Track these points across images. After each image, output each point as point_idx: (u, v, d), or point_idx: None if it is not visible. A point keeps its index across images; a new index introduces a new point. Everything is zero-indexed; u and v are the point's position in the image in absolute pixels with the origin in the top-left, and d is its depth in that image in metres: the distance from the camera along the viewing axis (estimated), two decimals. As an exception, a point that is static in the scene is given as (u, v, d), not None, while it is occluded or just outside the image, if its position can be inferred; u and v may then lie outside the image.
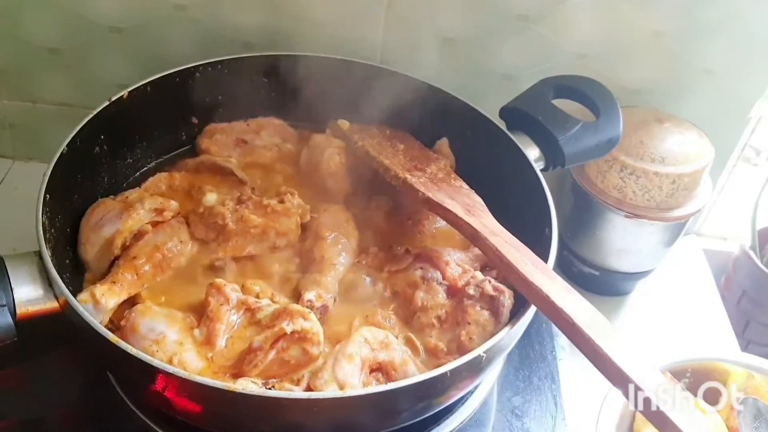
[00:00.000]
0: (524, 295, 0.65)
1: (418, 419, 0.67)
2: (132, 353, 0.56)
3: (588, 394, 0.85)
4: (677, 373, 0.85)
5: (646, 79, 0.99)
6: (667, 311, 1.06)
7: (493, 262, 0.68)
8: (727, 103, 0.99)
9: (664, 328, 1.03)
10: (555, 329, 0.89)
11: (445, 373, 0.59)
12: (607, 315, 1.00)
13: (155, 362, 0.56)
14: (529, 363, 0.83)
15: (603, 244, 0.98)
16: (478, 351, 0.60)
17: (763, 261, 1.13)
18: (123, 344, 0.57)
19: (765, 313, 1.14)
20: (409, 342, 0.71)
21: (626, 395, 0.55)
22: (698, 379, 0.86)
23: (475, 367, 0.62)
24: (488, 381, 0.80)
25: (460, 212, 0.72)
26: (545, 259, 0.69)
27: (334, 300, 0.73)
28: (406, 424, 0.66)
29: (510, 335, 0.64)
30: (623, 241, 0.97)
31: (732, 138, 1.04)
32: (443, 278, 0.75)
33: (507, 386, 0.81)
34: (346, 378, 0.64)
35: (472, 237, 0.70)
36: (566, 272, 1.07)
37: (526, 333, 0.70)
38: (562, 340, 0.89)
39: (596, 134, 0.83)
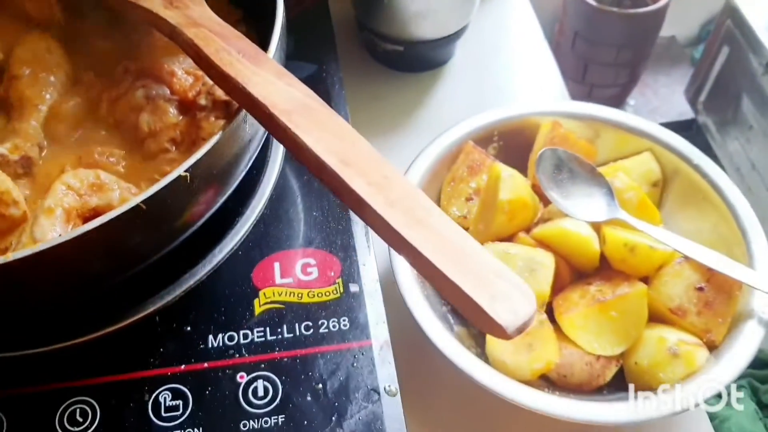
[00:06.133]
0: (226, 93, 0.54)
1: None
2: None
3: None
4: (483, 140, 0.77)
5: None
6: (488, 75, 0.97)
7: (196, 63, 0.56)
8: None
9: (486, 94, 0.94)
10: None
11: (138, 205, 0.49)
12: (423, 90, 0.93)
13: None
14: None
15: (394, 12, 0.86)
16: (177, 173, 0.50)
17: (590, -6, 1.03)
18: None
19: (601, 52, 1.06)
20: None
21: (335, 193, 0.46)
22: (508, 141, 0.78)
23: (184, 193, 0.52)
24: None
25: (158, 7, 0.58)
26: (265, 46, 0.57)
27: (41, 148, 0.61)
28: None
29: (224, 145, 0.53)
30: (414, 3, 0.84)
31: None
32: (171, 92, 0.63)
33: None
34: (45, 235, 0.53)
35: (170, 35, 0.58)
36: (374, 56, 0.96)
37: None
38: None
39: None
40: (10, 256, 0.46)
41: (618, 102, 1.21)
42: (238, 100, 0.52)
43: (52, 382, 0.58)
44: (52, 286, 0.51)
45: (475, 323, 0.39)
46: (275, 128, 0.48)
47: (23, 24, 0.69)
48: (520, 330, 0.38)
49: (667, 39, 1.28)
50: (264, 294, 0.63)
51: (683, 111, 1.24)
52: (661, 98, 1.25)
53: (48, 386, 0.58)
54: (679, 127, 1.25)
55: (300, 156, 0.47)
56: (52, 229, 0.54)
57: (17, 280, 0.48)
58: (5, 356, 0.59)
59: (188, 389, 0.58)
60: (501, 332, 0.37)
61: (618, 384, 0.67)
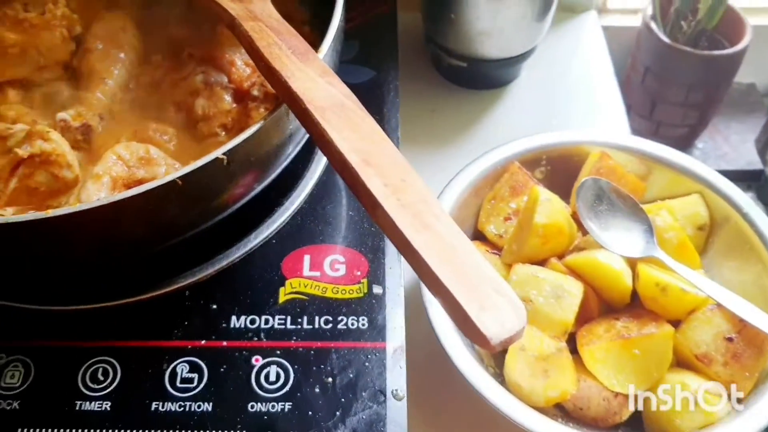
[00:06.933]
0: (270, 85, 0.56)
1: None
2: None
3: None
4: (530, 163, 0.77)
5: None
6: (550, 101, 0.96)
7: (248, 54, 0.59)
8: None
9: (545, 119, 0.94)
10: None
11: (174, 180, 0.51)
12: (482, 109, 0.94)
13: None
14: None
15: (461, 29, 0.87)
16: (215, 154, 0.53)
17: (665, 31, 1.01)
18: None
19: (671, 91, 1.04)
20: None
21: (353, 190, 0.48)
22: (556, 167, 0.78)
23: (221, 174, 0.54)
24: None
25: (223, -2, 0.62)
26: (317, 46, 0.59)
27: (101, 118, 0.65)
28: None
29: (264, 134, 0.55)
30: (480, 22, 0.85)
31: None
32: (229, 81, 0.66)
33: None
34: (89, 199, 0.57)
35: (230, 25, 0.61)
36: (439, 70, 0.97)
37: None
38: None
39: None
40: (50, 212, 0.49)
41: (686, 143, 1.18)
42: (279, 93, 0.54)
43: (81, 340, 0.62)
44: (87, 246, 0.54)
45: (463, 331, 0.39)
46: (308, 122, 0.50)
47: (104, 3, 0.73)
48: (506, 343, 0.38)
49: (746, 86, 1.25)
50: (290, 284, 0.65)
51: (753, 160, 1.20)
52: (731, 145, 1.22)
53: (77, 343, 0.61)
54: (747, 176, 1.21)
55: (326, 151, 0.49)
56: (97, 194, 0.57)
57: (55, 236, 0.51)
58: (42, 309, 0.63)
59: (205, 364, 0.61)
60: (485, 342, 0.38)
61: (634, 425, 0.66)
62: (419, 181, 0.47)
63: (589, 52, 1.02)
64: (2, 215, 0.58)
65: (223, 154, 0.53)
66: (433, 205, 0.45)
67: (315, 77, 0.54)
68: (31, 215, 0.49)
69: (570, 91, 0.98)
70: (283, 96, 0.54)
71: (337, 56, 0.63)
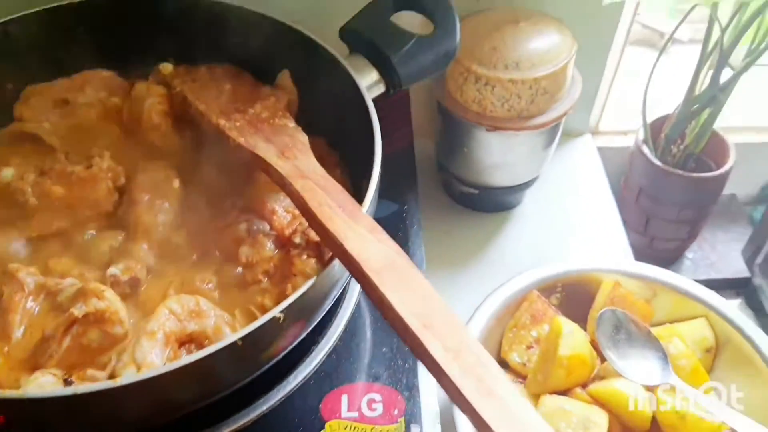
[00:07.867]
0: (323, 243, 0.60)
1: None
2: None
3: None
4: (547, 290, 0.82)
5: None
6: (554, 220, 1.02)
7: (300, 211, 0.63)
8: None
9: (551, 238, 0.99)
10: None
11: (235, 342, 0.54)
12: (492, 231, 0.99)
13: None
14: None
15: (473, 162, 0.93)
16: (272, 314, 0.56)
17: (656, 154, 1.08)
18: None
19: (663, 209, 1.11)
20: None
21: (413, 352, 0.51)
22: (570, 293, 0.82)
23: (275, 330, 0.57)
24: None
25: (272, 156, 0.66)
26: (360, 199, 0.63)
27: (147, 270, 0.67)
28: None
29: (316, 289, 0.59)
30: (491, 157, 0.91)
31: (607, 24, 0.97)
32: (271, 228, 0.69)
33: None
34: (144, 358, 0.59)
35: (280, 184, 0.65)
36: (450, 194, 1.03)
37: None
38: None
39: (432, 48, 0.76)
40: (119, 381, 0.51)
41: (677, 255, 1.24)
42: (333, 251, 0.58)
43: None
44: (140, 408, 0.55)
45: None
46: (365, 284, 0.54)
47: (146, 151, 0.76)
48: None
49: (727, 197, 1.32)
50: (330, 426, 0.67)
51: (740, 269, 1.26)
52: (719, 254, 1.28)
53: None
54: (736, 284, 1.27)
55: (386, 315, 0.52)
56: (152, 352, 0.59)
57: (113, 401, 0.52)
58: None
59: None
60: None
61: None
62: (474, 341, 0.50)
63: (586, 173, 1.08)
64: (55, 375, 0.60)
65: (281, 312, 0.56)
66: (490, 366, 0.48)
67: (365, 234, 0.57)
68: (103, 384, 0.51)
69: (570, 210, 1.04)
70: (336, 254, 0.57)
71: (375, 208, 0.67)
